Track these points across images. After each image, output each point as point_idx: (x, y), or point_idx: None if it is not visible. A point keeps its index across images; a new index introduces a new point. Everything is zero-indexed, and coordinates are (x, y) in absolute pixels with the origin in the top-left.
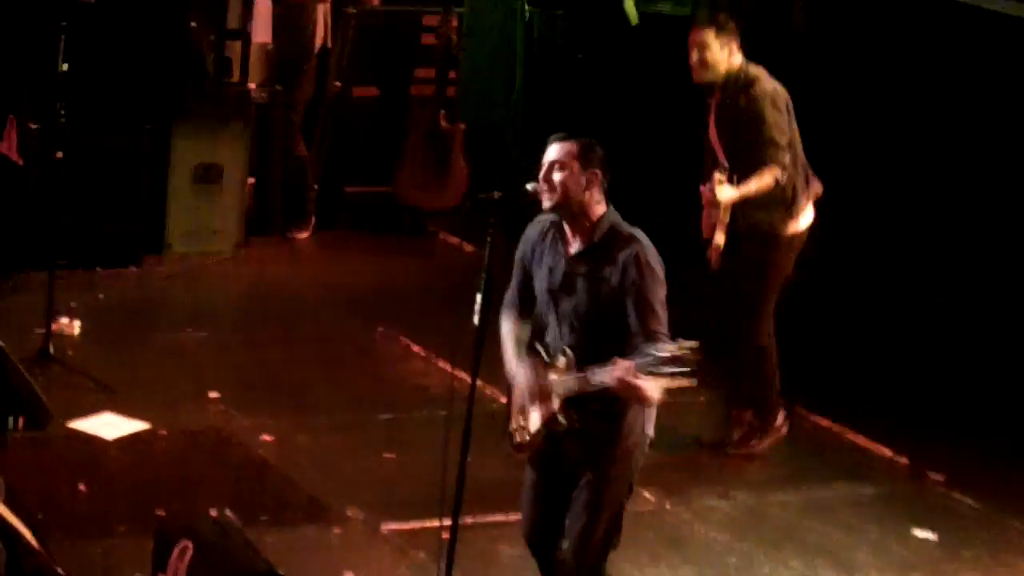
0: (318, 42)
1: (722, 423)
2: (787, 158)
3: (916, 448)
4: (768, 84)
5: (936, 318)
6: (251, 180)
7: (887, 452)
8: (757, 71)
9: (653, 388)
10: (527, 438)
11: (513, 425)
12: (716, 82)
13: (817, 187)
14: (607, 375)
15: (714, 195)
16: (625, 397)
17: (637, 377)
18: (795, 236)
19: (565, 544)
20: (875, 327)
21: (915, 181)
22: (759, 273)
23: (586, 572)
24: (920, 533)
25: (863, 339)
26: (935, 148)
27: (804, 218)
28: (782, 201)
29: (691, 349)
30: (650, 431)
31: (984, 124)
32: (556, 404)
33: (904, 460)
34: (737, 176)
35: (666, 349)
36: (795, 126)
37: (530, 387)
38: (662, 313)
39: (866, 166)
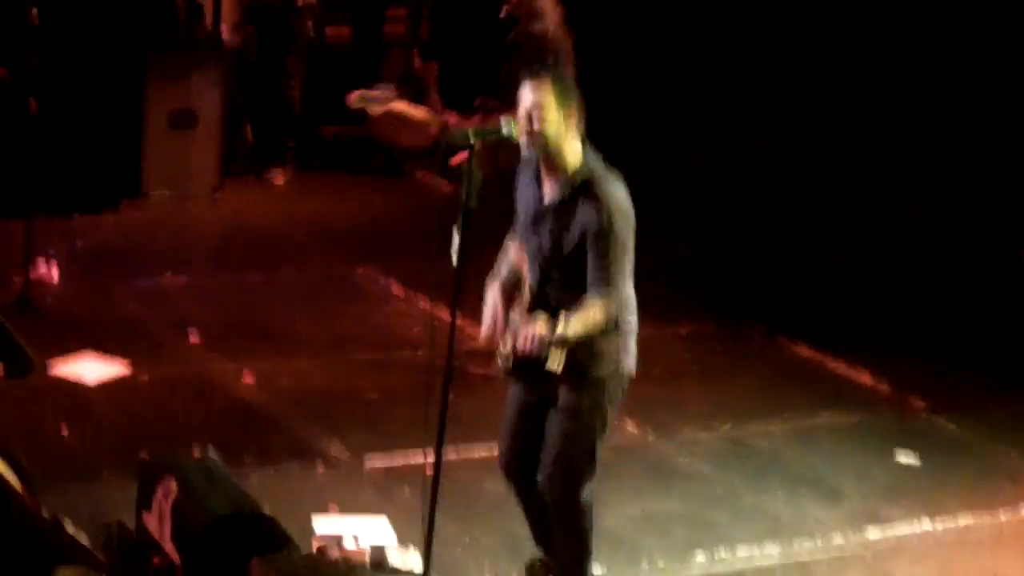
0: None
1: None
2: None
3: (898, 374)
4: None
5: (915, 241)
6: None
7: (868, 379)
8: None
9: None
10: (500, 362)
11: (499, 348)
12: None
13: None
14: (521, 336)
15: None
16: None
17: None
18: None
19: (539, 476)
20: (853, 253)
21: (894, 96)
22: None
23: (562, 501)
24: (904, 459)
25: (842, 266)
26: (915, 64)
27: None
28: None
29: (550, 342)
30: (631, 365)
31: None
32: (510, 340)
33: (886, 387)
34: None
35: (539, 330)
36: None
37: (495, 336)
38: (615, 269)
39: (846, 81)
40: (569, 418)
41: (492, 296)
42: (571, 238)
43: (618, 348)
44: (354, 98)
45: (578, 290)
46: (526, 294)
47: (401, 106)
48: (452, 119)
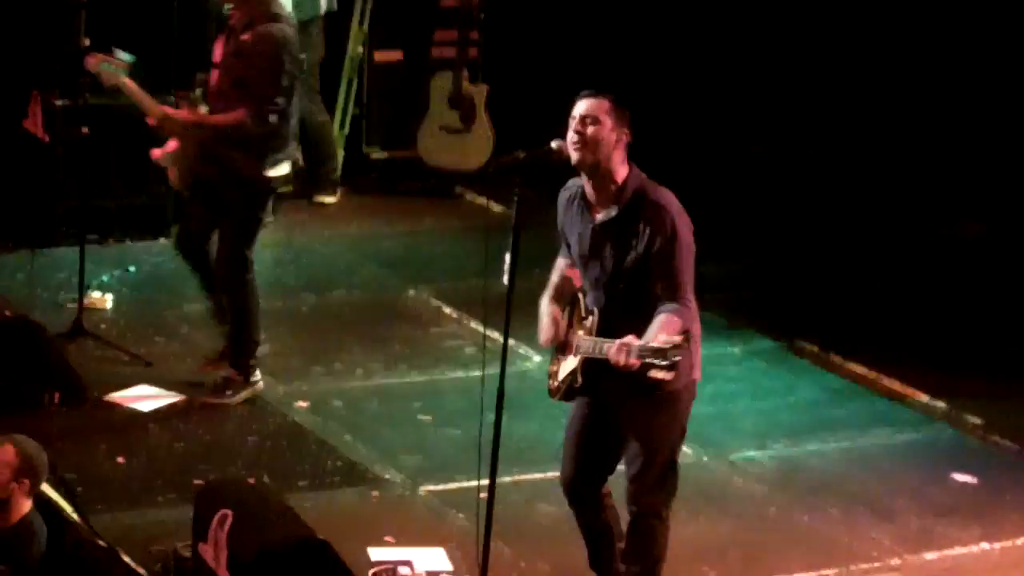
0: (323, 4)
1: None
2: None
3: (953, 392)
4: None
5: (971, 256)
6: None
7: (924, 397)
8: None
9: (663, 372)
10: (555, 384)
11: (549, 369)
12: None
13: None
14: (609, 351)
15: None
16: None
17: (636, 357)
18: (269, 180)
19: (606, 491)
20: (908, 269)
21: (942, 114)
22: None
23: (645, 520)
24: (960, 477)
25: (897, 284)
26: (970, 76)
27: (278, 168)
28: (255, 146)
29: (675, 345)
30: (697, 375)
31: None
32: (576, 362)
33: (942, 404)
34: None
35: (658, 340)
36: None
37: (558, 338)
38: (683, 280)
39: (892, 100)
40: (649, 435)
41: (547, 304)
42: (635, 252)
43: (690, 359)
44: (92, 63)
45: (645, 308)
46: (592, 319)
47: (130, 83)
48: (169, 110)
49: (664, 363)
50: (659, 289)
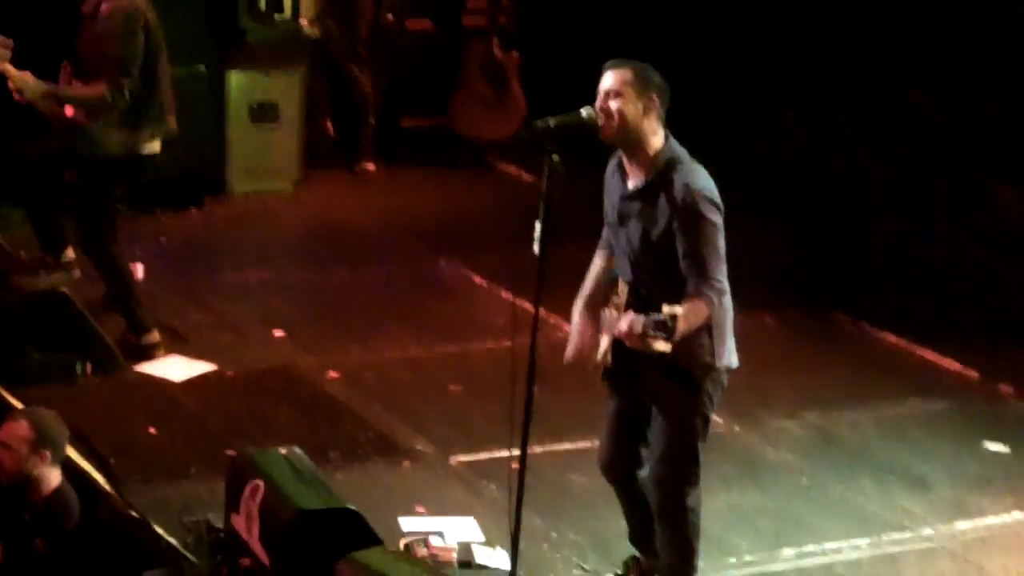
0: None
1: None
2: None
3: (986, 361)
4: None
5: (1004, 225)
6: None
7: (956, 366)
8: None
9: (662, 343)
10: (593, 365)
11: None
12: None
13: (171, 125)
14: (620, 325)
15: None
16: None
17: (645, 333)
18: (134, 156)
19: (642, 473)
20: (939, 237)
21: (977, 76)
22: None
23: (667, 503)
24: (992, 446)
25: (928, 251)
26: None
27: (151, 145)
28: (122, 118)
29: (672, 316)
30: (729, 359)
31: None
32: (606, 341)
33: (974, 373)
34: None
35: (664, 312)
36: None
37: (583, 354)
38: (711, 257)
39: (930, 60)
40: (670, 421)
41: (577, 314)
42: (659, 225)
43: (713, 343)
44: None
45: (673, 284)
46: (622, 294)
47: (11, 68)
48: (29, 78)
49: (663, 334)
50: (684, 268)
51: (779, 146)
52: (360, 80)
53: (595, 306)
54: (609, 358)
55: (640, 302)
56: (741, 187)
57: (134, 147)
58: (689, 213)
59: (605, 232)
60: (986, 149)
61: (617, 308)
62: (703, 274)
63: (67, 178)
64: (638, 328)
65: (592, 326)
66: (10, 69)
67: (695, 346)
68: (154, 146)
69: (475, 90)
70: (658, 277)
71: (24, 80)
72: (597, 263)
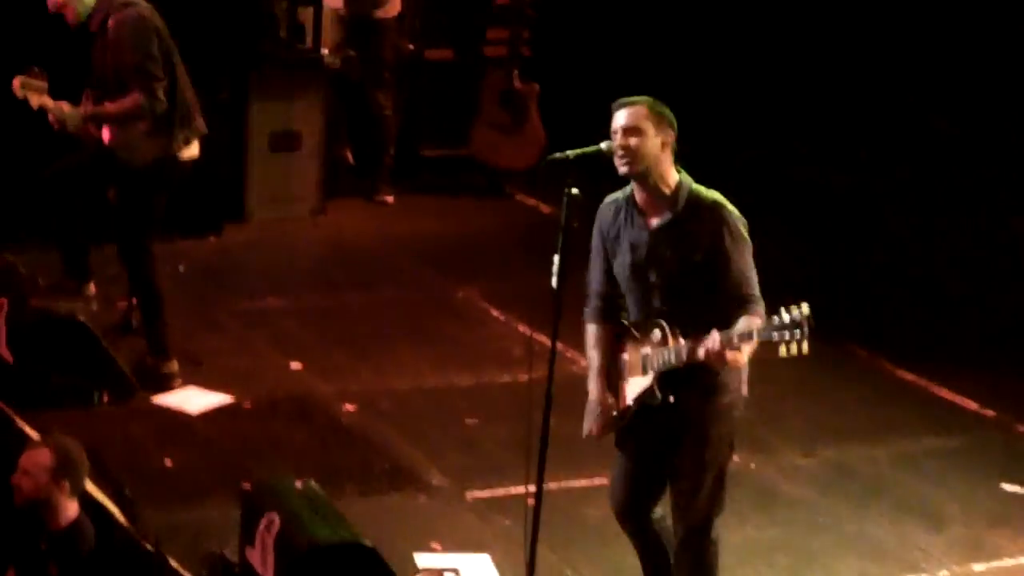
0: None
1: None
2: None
3: (1003, 400)
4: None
5: (1021, 263)
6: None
7: (973, 405)
8: None
9: (743, 356)
10: (619, 411)
11: (598, 405)
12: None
13: (201, 125)
14: (700, 347)
15: None
16: (714, 366)
17: (731, 347)
18: (170, 160)
19: (658, 513)
20: (957, 272)
21: (998, 106)
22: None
23: (694, 536)
24: (1009, 487)
25: (946, 286)
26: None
27: (188, 149)
28: (154, 124)
29: (806, 316)
30: (744, 390)
31: None
32: (651, 378)
33: (991, 412)
34: None
35: (777, 318)
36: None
37: (607, 428)
38: (752, 276)
39: (948, 91)
40: (702, 449)
41: (598, 389)
42: (698, 255)
43: (740, 377)
44: (17, 85)
45: (711, 312)
46: (651, 333)
47: (51, 102)
48: (66, 107)
49: (799, 331)
50: (728, 289)
51: (795, 176)
52: (385, 107)
53: (609, 376)
54: (659, 394)
55: (684, 331)
56: (755, 216)
57: (169, 151)
58: (732, 236)
59: (593, 287)
60: (1003, 180)
61: (656, 346)
62: (751, 292)
63: (109, 196)
64: (719, 344)
65: (611, 396)
66: (48, 102)
67: (728, 372)
68: (192, 150)
69: (494, 120)
70: (692, 306)
71: (62, 110)
72: (597, 333)
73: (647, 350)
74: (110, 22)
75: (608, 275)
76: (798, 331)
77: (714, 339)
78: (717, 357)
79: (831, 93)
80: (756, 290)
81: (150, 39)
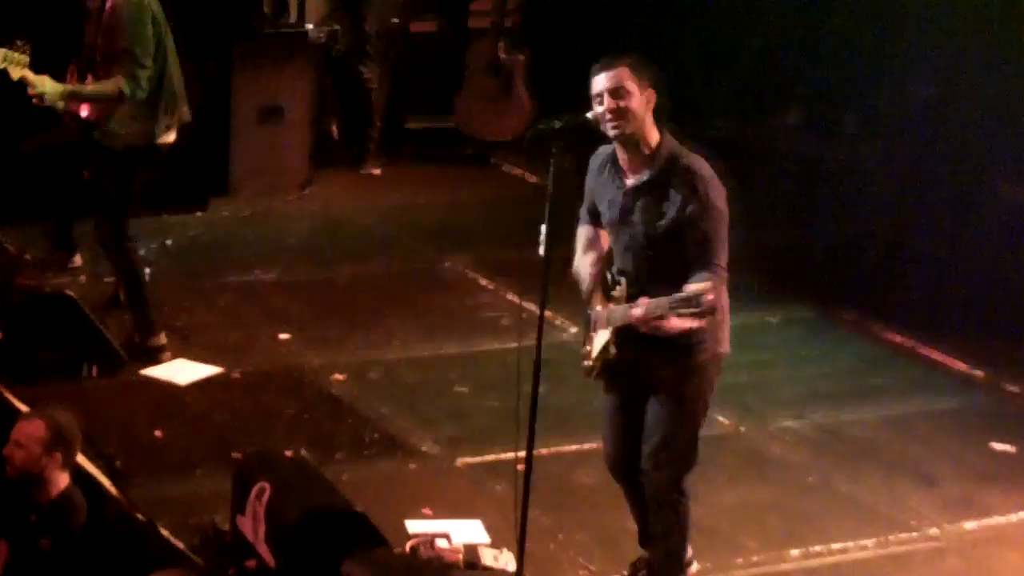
0: None
1: None
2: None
3: (992, 361)
4: None
5: (1008, 221)
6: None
7: (963, 366)
8: None
9: (676, 324)
10: (588, 364)
11: (583, 350)
12: None
13: (185, 113)
14: (634, 311)
15: None
16: (647, 331)
17: (660, 316)
18: (149, 145)
19: (643, 465)
20: (945, 236)
21: (983, 72)
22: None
23: (664, 487)
24: (999, 446)
25: (934, 250)
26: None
27: (167, 135)
28: (138, 110)
29: (699, 291)
30: (725, 348)
31: None
32: (608, 334)
33: (980, 373)
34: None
35: (687, 289)
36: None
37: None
38: (716, 245)
39: (933, 59)
40: (672, 405)
41: (582, 258)
42: (667, 218)
43: (716, 330)
44: None
45: (676, 274)
46: (620, 289)
47: (29, 74)
48: (48, 81)
49: (695, 309)
50: (691, 255)
51: (783, 144)
52: (370, 80)
53: (594, 249)
54: (613, 350)
55: (643, 293)
56: (745, 184)
57: (150, 137)
58: (703, 202)
59: (583, 214)
60: (989, 145)
61: (616, 302)
62: (711, 261)
63: (84, 175)
64: (656, 310)
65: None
66: (29, 75)
67: (700, 330)
68: (170, 136)
69: (479, 90)
70: (661, 268)
71: (43, 84)
72: (585, 232)
73: (611, 305)
74: (108, 4)
75: (593, 215)
76: (691, 307)
77: (640, 306)
78: (643, 324)
79: (820, 61)
80: (718, 259)
81: (145, 25)
